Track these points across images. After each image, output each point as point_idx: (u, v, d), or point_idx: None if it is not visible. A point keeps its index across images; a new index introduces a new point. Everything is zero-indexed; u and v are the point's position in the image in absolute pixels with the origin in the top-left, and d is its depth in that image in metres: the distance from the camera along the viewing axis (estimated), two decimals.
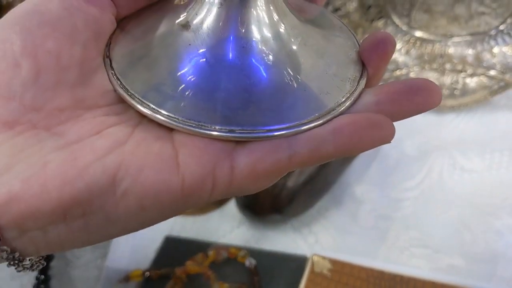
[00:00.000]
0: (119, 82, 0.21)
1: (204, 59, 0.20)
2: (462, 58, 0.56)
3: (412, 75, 0.57)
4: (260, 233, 0.47)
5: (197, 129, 0.19)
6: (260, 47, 0.21)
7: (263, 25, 0.21)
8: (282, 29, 0.21)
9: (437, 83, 0.57)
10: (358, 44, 0.23)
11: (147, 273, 0.44)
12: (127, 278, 0.44)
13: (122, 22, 0.23)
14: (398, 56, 0.58)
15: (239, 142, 0.19)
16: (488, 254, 0.43)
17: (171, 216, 0.19)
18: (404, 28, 0.57)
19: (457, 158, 0.51)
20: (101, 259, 0.34)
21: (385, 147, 0.53)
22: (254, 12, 0.21)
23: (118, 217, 0.18)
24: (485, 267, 0.42)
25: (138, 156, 0.18)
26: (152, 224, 0.19)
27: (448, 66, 0.56)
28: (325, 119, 0.19)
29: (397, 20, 0.57)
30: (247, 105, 0.20)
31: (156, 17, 0.22)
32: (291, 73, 0.21)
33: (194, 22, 0.21)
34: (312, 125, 0.19)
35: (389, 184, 0.50)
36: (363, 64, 0.22)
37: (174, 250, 0.47)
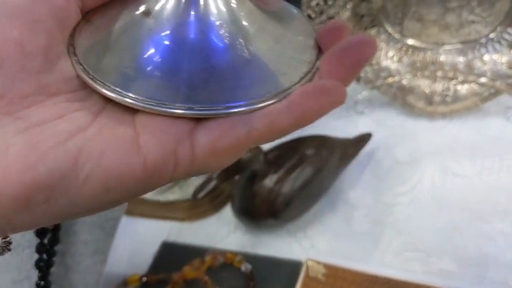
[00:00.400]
0: (81, 67, 0.21)
1: (166, 42, 0.21)
2: (453, 66, 0.57)
3: (404, 82, 0.58)
4: (256, 238, 0.48)
5: (157, 108, 0.19)
6: (218, 29, 0.22)
7: (221, 8, 0.22)
8: (239, 13, 0.22)
9: (429, 90, 0.58)
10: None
11: (145, 278, 0.44)
12: (125, 283, 0.44)
13: (88, 14, 0.23)
14: (391, 63, 0.59)
15: (200, 121, 0.20)
16: (479, 258, 0.43)
17: (136, 197, 0.20)
18: (397, 36, 0.58)
19: (449, 164, 0.52)
20: (100, 264, 0.34)
21: (378, 153, 0.53)
22: None
23: (81, 201, 0.18)
24: (476, 271, 0.42)
25: (100, 141, 0.18)
26: (117, 205, 0.20)
27: (439, 73, 0.57)
28: (280, 97, 0.21)
29: (389, 29, 0.58)
30: (207, 83, 0.20)
31: (120, 8, 0.23)
32: (249, 55, 0.22)
33: (155, 8, 0.22)
34: (269, 102, 0.20)
35: (382, 190, 0.51)
36: (320, 49, 0.23)
37: (171, 256, 0.47)
